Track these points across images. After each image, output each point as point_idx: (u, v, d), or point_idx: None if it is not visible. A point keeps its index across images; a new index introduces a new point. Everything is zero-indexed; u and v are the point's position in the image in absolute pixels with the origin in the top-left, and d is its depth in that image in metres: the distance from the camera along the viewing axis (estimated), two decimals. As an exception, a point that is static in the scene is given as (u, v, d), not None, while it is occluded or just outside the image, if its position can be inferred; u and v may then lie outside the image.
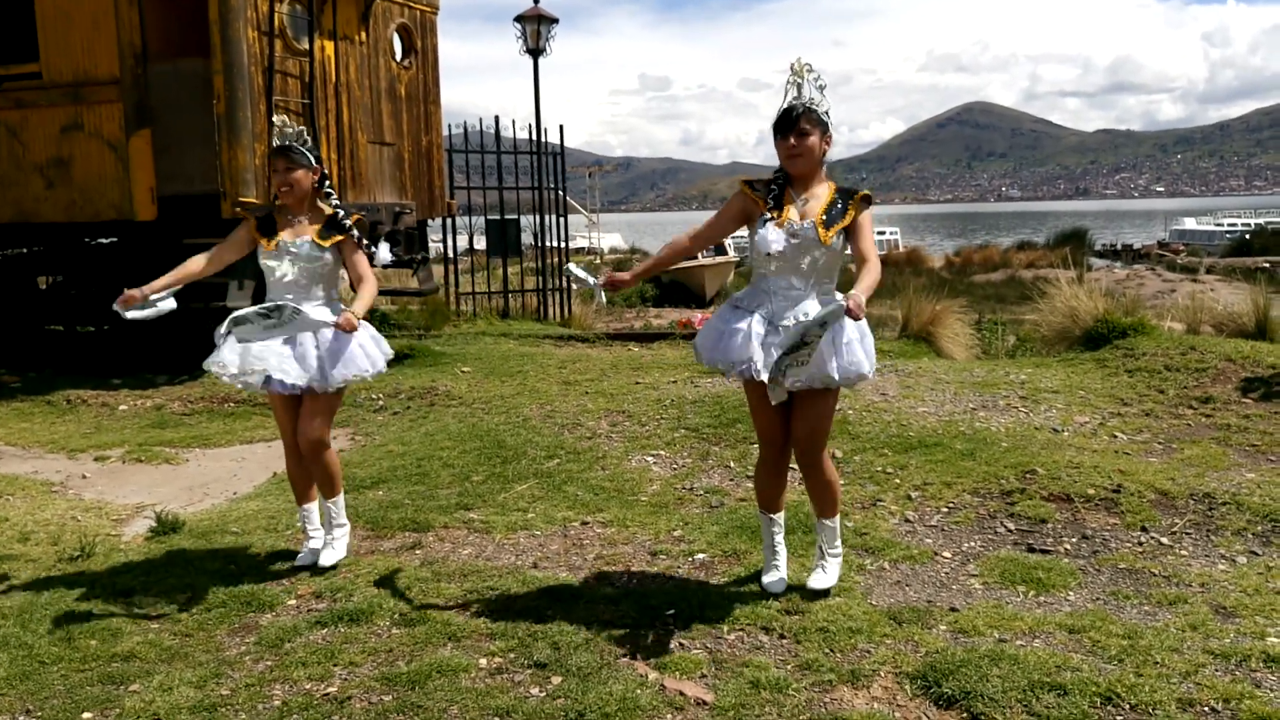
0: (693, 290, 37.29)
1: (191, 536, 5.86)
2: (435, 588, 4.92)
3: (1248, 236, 58.14)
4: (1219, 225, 67.18)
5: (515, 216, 16.13)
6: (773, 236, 4.37)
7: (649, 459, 7.17)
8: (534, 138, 16.15)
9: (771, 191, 4.49)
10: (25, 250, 13.10)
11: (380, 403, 9.45)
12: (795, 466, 4.79)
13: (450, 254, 16.13)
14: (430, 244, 14.84)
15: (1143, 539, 5.30)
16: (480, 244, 16.95)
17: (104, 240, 12.57)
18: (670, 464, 7.06)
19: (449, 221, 15.41)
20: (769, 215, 4.43)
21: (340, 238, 5.09)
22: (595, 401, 8.78)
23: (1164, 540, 5.27)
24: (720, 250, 41.65)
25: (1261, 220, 67.29)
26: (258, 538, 5.80)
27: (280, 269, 5.02)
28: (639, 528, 5.75)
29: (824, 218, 4.38)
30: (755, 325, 4.39)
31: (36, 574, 5.36)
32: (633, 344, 12.78)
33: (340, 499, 5.31)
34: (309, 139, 5.15)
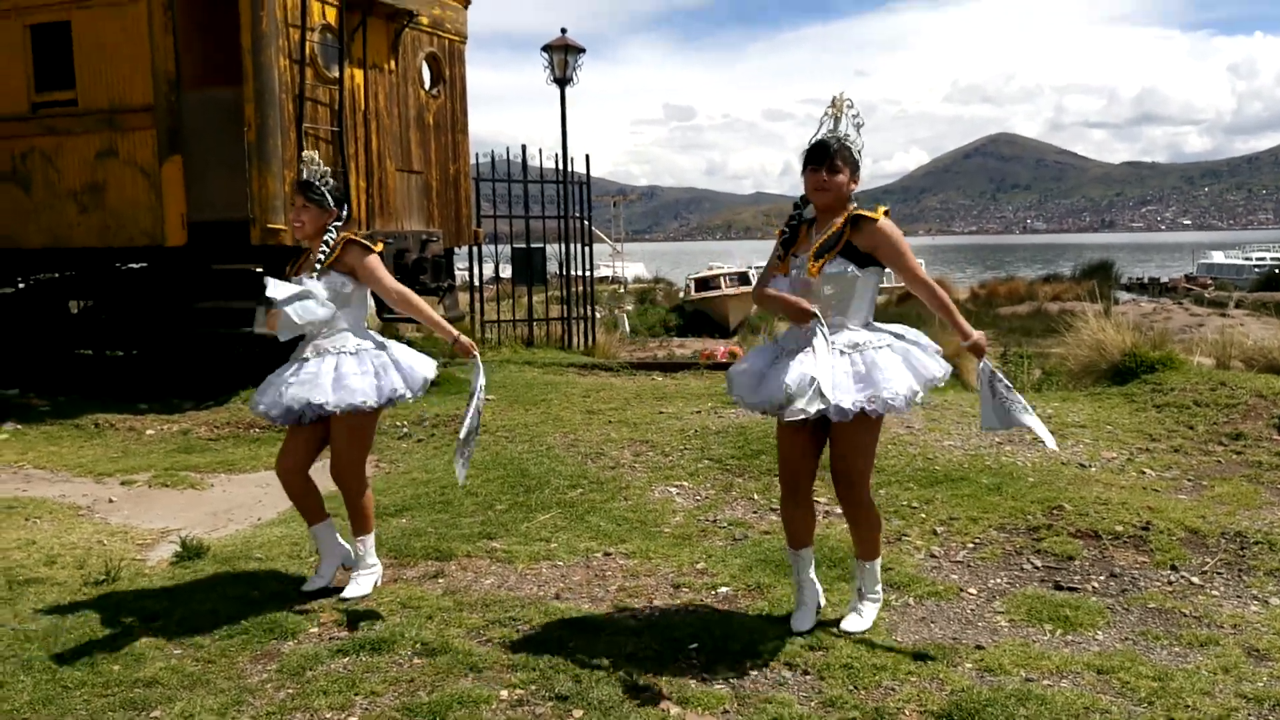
0: (716, 320, 37.27)
1: (215, 562, 5.86)
2: (457, 617, 4.91)
3: (1277, 271, 57.68)
4: (1247, 259, 66.71)
5: (541, 245, 16.17)
6: (780, 289, 4.44)
7: (672, 490, 7.15)
8: (560, 167, 16.19)
9: (784, 235, 4.55)
10: (57, 275, 13.23)
11: (405, 430, 9.46)
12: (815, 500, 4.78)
13: (476, 282, 16.18)
14: (456, 272, 14.91)
15: (1173, 578, 5.24)
16: (505, 272, 16.99)
17: (134, 265, 12.67)
18: (694, 495, 7.04)
19: (474, 250, 15.46)
20: (777, 264, 4.52)
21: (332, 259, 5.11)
22: (619, 431, 8.76)
23: (1194, 580, 5.21)
24: (745, 280, 41.70)
25: (1290, 254, 66.87)
26: (281, 564, 5.80)
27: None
28: (661, 559, 5.73)
29: (817, 249, 4.38)
30: (765, 363, 4.50)
31: (62, 597, 5.37)
32: (656, 373, 12.77)
33: (370, 539, 5.31)
34: (331, 180, 5.18)
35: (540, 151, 15.84)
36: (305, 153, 5.30)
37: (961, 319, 4.41)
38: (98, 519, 7.16)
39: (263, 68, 10.64)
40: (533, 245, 15.98)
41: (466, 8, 13.73)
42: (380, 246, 5.26)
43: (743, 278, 42.20)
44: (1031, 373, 13.75)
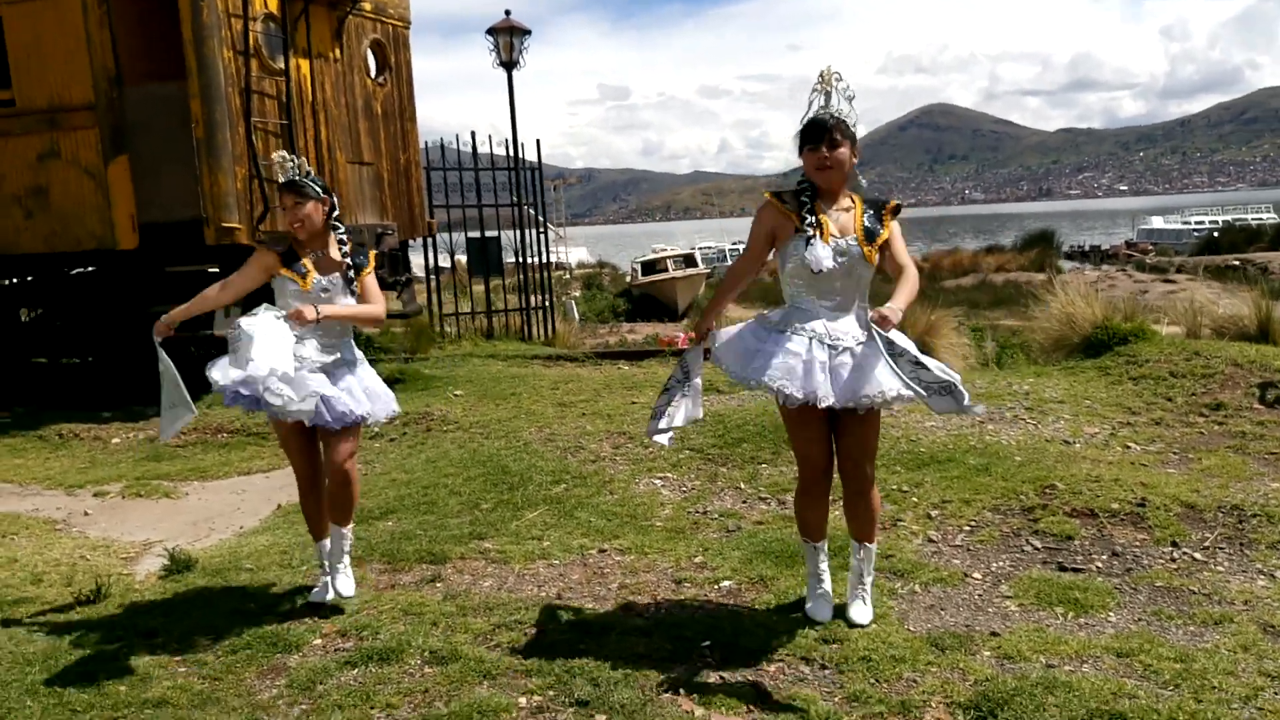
0: (664, 304, 37.25)
1: (206, 574, 5.73)
2: (462, 622, 4.82)
3: (1215, 235, 58.47)
4: (1186, 224, 67.55)
5: (496, 234, 16.00)
6: (823, 254, 4.23)
7: (657, 482, 7.10)
8: (511, 153, 16.02)
9: (803, 204, 4.34)
10: (5, 282, 12.91)
11: (376, 429, 9.33)
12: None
13: (433, 274, 15.97)
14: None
15: (1175, 555, 5.26)
16: (448, 261, 16.76)
17: (85, 270, 12.38)
18: (679, 487, 6.99)
19: (429, 241, 15.27)
20: (810, 231, 4.28)
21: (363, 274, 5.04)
22: (594, 423, 8.69)
23: (1197, 556, 5.23)
24: (691, 262, 41.72)
25: (1229, 217, 67.67)
26: (274, 574, 5.68)
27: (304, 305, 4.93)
28: (658, 554, 5.67)
29: (864, 233, 4.30)
30: (816, 352, 4.26)
31: (55, 617, 5.23)
32: (622, 362, 12.70)
33: (351, 526, 5.22)
34: (310, 169, 5.06)
35: (490, 138, 15.66)
36: (276, 153, 5.15)
37: (904, 297, 4.25)
38: (76, 533, 7.01)
39: (206, 61, 10.36)
40: (487, 235, 15.81)
41: (408, -8, 13.52)
42: (374, 253, 5.19)
43: (689, 260, 42.21)
44: (985, 346, 13.85)
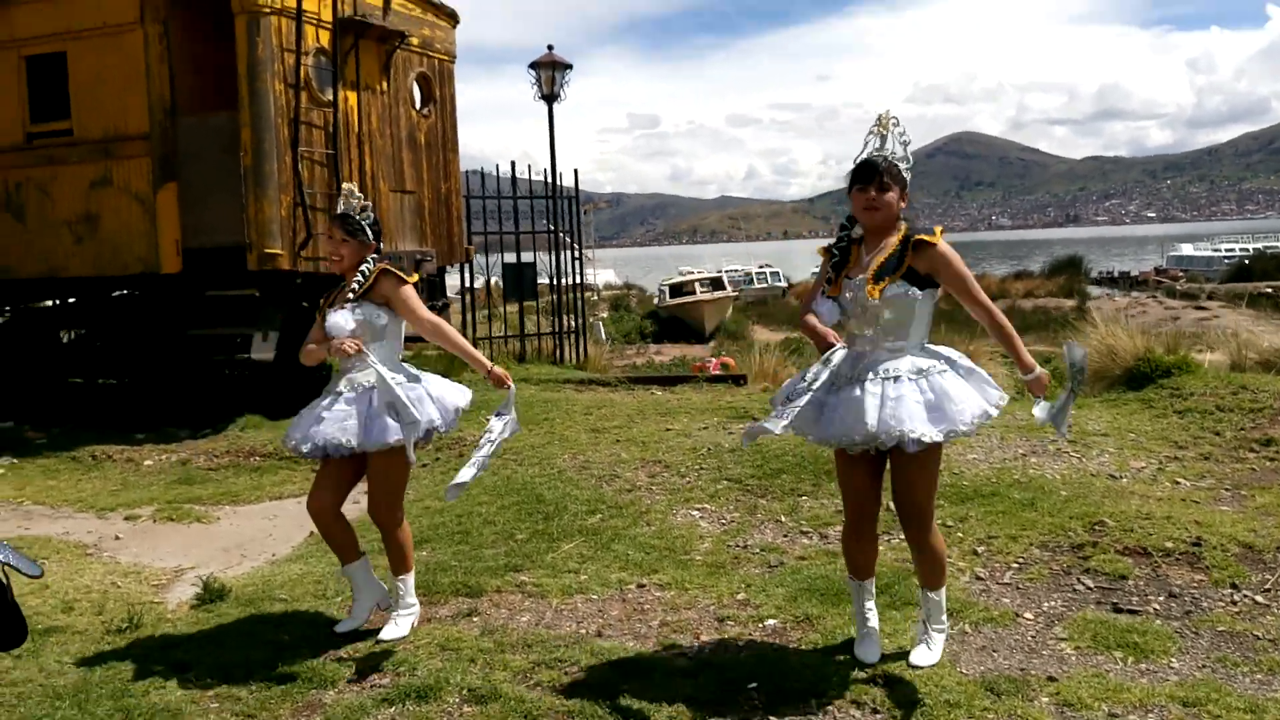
0: (692, 326, 37.20)
1: (239, 604, 5.65)
2: (500, 659, 4.72)
3: (1247, 262, 58.01)
4: (1217, 251, 66.94)
5: (531, 260, 16.00)
6: (824, 311, 4.31)
7: (694, 513, 6.99)
8: (549, 181, 16.03)
9: (833, 257, 4.41)
10: (49, 303, 13.00)
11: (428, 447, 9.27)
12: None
13: (468, 299, 15.93)
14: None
15: (1235, 597, 5.11)
16: (478, 282, 16.76)
17: (127, 292, 12.44)
18: (718, 519, 6.88)
19: (466, 267, 15.28)
20: (825, 287, 4.36)
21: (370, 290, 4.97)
22: (629, 450, 8.59)
23: (1259, 599, 5.08)
24: (718, 285, 41.66)
25: (1260, 245, 67.10)
26: (307, 604, 5.60)
27: (345, 334, 4.88)
28: (699, 590, 5.56)
29: (876, 271, 4.24)
30: (821, 391, 4.26)
31: (86, 648, 5.14)
32: (655, 388, 12.60)
33: (410, 578, 5.12)
34: (372, 214, 5.01)
35: (529, 168, 15.69)
36: (345, 185, 5.12)
37: (1024, 349, 4.28)
38: (107, 558, 6.93)
39: (258, 93, 10.50)
40: (523, 261, 15.81)
41: (455, 27, 13.59)
42: (415, 277, 5.09)
43: (716, 283, 42.15)
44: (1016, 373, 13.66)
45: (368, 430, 4.84)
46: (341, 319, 4.89)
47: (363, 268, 5.00)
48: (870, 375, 4.22)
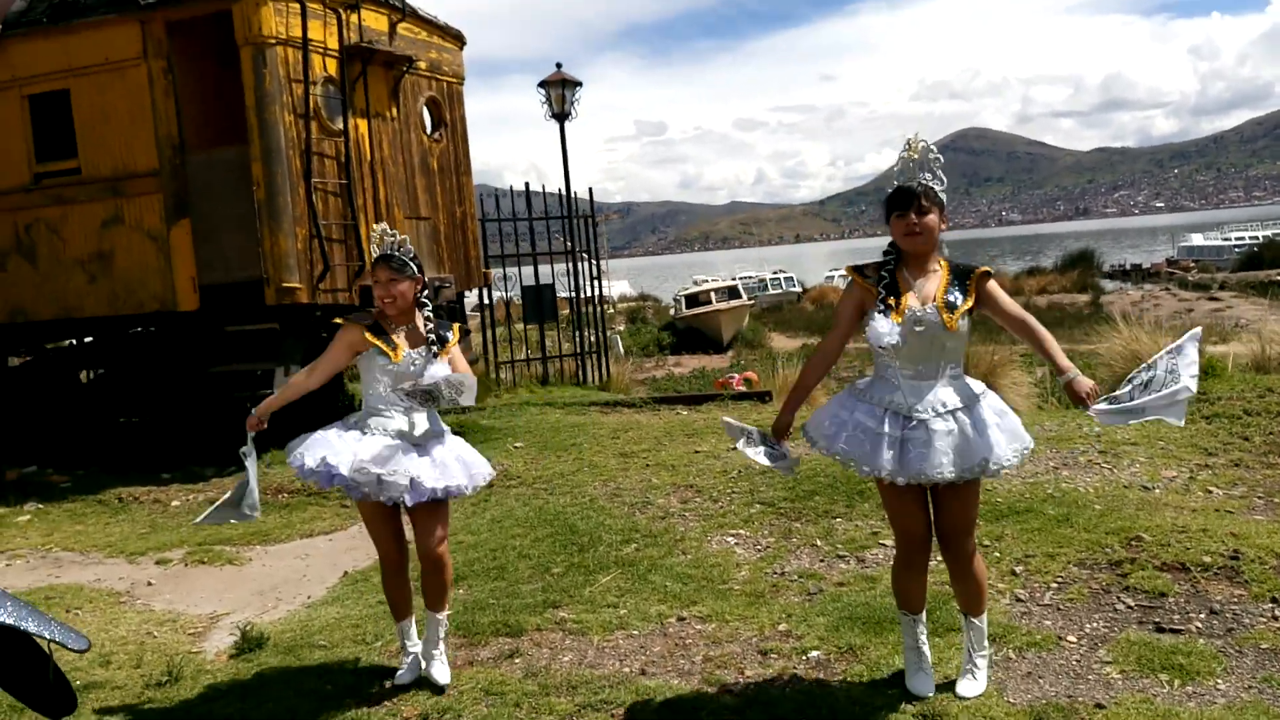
0: (709, 336, 37.13)
1: (278, 653, 5.63)
2: (546, 703, 4.71)
3: (1257, 250, 57.76)
4: (1227, 240, 66.64)
5: (550, 282, 15.99)
6: (883, 329, 4.21)
7: (730, 539, 6.98)
8: (564, 200, 16.03)
9: (883, 279, 4.32)
10: (66, 344, 13.01)
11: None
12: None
13: (487, 313, 15.89)
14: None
15: (1277, 612, 5.07)
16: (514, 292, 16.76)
17: (145, 330, 12.44)
18: (753, 545, 6.86)
19: (484, 290, 15.28)
20: (881, 306, 4.26)
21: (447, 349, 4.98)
22: (659, 475, 8.58)
23: (1299, 614, 5.05)
24: (734, 294, 41.60)
25: (1270, 232, 66.75)
26: (347, 650, 5.58)
27: (392, 381, 4.85)
28: (740, 622, 5.54)
29: (945, 301, 4.22)
30: (888, 426, 4.21)
31: (126, 702, 5.13)
32: (680, 407, 12.58)
33: (447, 612, 5.11)
34: (411, 248, 5.00)
35: (544, 188, 15.70)
36: (377, 225, 5.11)
37: (1061, 353, 4.26)
38: (141, 605, 6.94)
39: (268, 125, 10.48)
40: (542, 283, 15.81)
41: (462, 49, 13.56)
42: (457, 325, 5.16)
43: (732, 292, 42.07)
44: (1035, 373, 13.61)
45: (468, 473, 4.98)
46: (441, 371, 4.88)
47: (426, 314, 4.99)
48: (942, 406, 4.22)
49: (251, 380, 10.56)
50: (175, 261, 10.89)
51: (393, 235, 4.93)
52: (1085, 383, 4.14)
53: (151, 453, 11.58)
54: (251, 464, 5.15)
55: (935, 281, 4.29)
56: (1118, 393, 4.20)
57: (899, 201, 4.27)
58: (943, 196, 4.31)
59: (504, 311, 16.79)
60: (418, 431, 4.85)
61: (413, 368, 4.85)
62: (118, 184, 11.06)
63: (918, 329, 4.21)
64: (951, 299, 4.24)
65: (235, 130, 10.92)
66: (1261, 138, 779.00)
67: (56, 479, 11.03)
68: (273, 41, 10.54)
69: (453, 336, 5.02)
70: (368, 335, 4.85)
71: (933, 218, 4.25)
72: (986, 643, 4.58)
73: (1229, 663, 4.64)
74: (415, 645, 5.15)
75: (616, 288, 59.12)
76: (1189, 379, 4.08)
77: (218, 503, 5.31)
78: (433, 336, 4.94)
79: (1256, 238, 63.88)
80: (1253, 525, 6.15)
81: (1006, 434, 4.21)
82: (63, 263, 11.37)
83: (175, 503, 9.79)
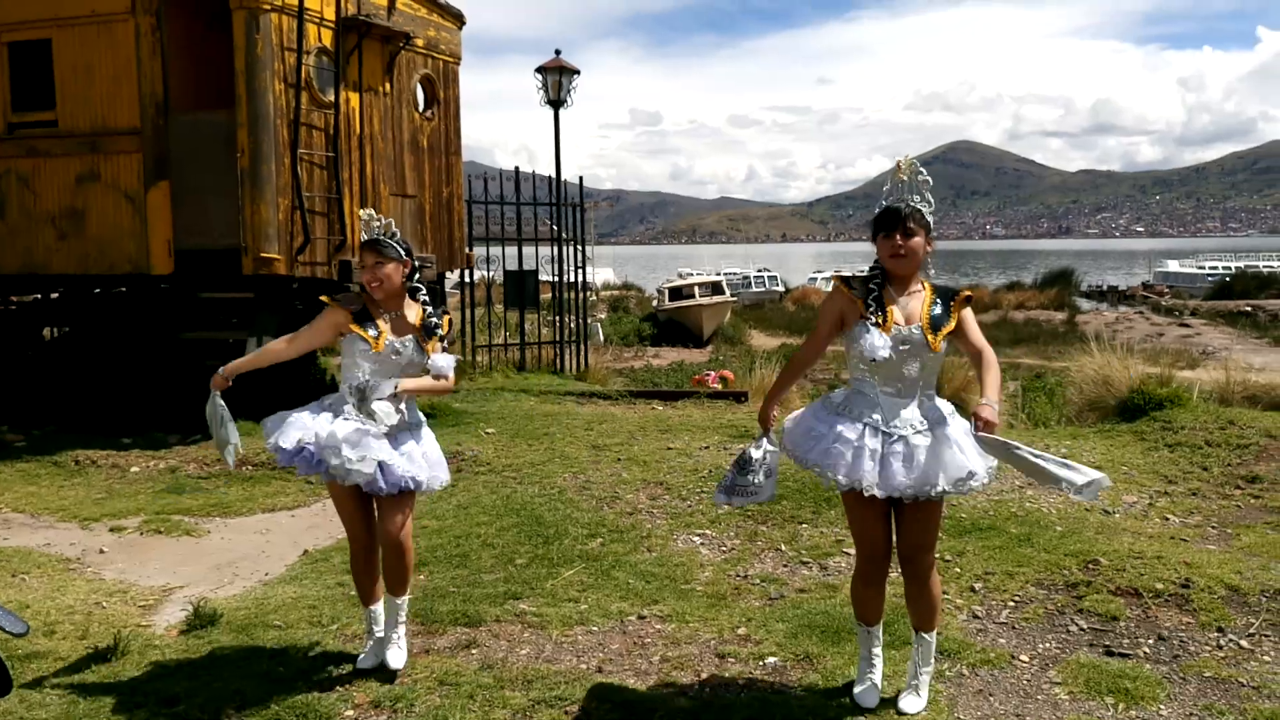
0: (690, 329, 37.16)
1: (231, 631, 5.54)
2: (500, 696, 4.69)
3: (1228, 280, 58.39)
4: (1200, 268, 67.22)
5: (534, 268, 15.94)
6: (879, 343, 4.21)
7: (695, 539, 6.99)
8: (554, 188, 15.98)
9: (871, 292, 4.33)
10: (32, 299, 12.81)
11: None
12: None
13: (467, 292, 15.78)
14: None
15: (1221, 641, 5.12)
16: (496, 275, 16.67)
17: (116, 291, 12.27)
18: (719, 546, 6.87)
19: (465, 272, 15.20)
20: (872, 319, 4.27)
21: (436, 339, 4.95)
22: (630, 470, 8.58)
23: (1243, 644, 5.09)
24: (717, 289, 41.64)
25: (1241, 263, 67.40)
26: (302, 632, 5.51)
27: (372, 366, 4.81)
28: (700, 624, 5.54)
29: (929, 321, 4.25)
30: (868, 439, 4.23)
31: (69, 677, 5.00)
32: (656, 402, 12.58)
33: (407, 596, 5.09)
34: (397, 231, 4.96)
35: (534, 173, 15.65)
36: (364, 210, 5.07)
37: (995, 388, 4.22)
38: (91, 574, 6.80)
39: (257, 92, 10.35)
40: (526, 269, 15.76)
41: (460, 29, 13.46)
42: (448, 317, 5.13)
43: (716, 287, 42.10)
44: (1006, 385, 13.65)
45: (434, 468, 4.96)
46: (445, 361, 4.88)
47: (423, 304, 4.97)
48: (921, 423, 4.27)
49: (223, 349, 10.45)
50: (151, 223, 10.73)
51: (378, 220, 4.91)
52: (990, 414, 4.03)
53: (114, 416, 11.32)
54: (215, 406, 5.13)
55: (918, 301, 4.33)
56: (1018, 443, 4.16)
57: (886, 223, 4.31)
58: (930, 219, 4.34)
59: (485, 292, 16.65)
60: (391, 420, 4.81)
61: (395, 356, 4.82)
62: (96, 140, 10.89)
63: (902, 347, 4.25)
64: (935, 320, 4.26)
65: (222, 94, 10.77)
66: (1241, 171, 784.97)
67: (11, 437, 10.78)
68: (267, 7, 10.41)
69: (442, 329, 4.98)
70: (354, 327, 4.82)
71: (918, 240, 4.28)
72: (933, 660, 4.61)
73: (1173, 689, 4.68)
74: (381, 632, 5.10)
75: (601, 274, 58.89)
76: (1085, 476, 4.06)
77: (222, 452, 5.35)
78: (427, 324, 4.92)
79: (1229, 268, 64.45)
80: (1205, 555, 6.21)
81: (979, 452, 4.22)
82: (33, 216, 11.17)
83: (135, 469, 9.64)
